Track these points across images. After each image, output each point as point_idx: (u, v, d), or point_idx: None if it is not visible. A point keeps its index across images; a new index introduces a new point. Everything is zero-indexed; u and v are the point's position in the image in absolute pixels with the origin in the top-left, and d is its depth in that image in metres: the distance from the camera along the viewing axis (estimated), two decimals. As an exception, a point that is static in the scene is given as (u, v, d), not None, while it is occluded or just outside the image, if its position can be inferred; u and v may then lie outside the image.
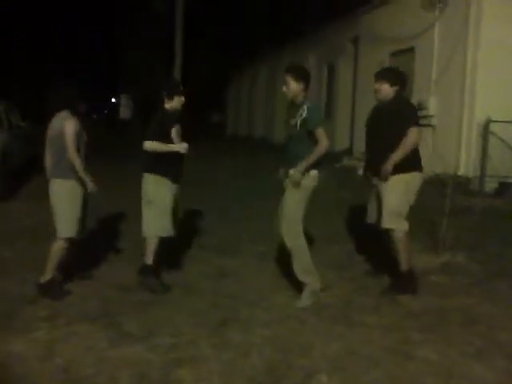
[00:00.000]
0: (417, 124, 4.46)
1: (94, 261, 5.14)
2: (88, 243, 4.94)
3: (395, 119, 4.41)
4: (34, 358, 3.29)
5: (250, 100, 24.91)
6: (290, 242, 4.23)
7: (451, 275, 5.05)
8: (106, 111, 47.53)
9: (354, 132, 13.74)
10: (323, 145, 4.13)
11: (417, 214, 6.18)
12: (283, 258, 4.76)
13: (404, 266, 4.53)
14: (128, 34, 23.63)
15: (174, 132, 4.41)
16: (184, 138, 4.53)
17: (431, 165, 9.27)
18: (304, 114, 4.16)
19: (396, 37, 11.26)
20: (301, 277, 4.31)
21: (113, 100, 47.11)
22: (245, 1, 21.83)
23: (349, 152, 13.56)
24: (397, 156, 4.34)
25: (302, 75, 4.30)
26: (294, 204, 4.20)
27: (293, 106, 4.33)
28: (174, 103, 4.42)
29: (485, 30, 8.99)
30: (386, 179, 4.42)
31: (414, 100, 10.34)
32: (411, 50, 11.00)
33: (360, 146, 11.35)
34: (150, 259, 4.42)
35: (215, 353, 3.43)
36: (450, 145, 9.36)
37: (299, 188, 4.16)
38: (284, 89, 4.31)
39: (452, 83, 9.60)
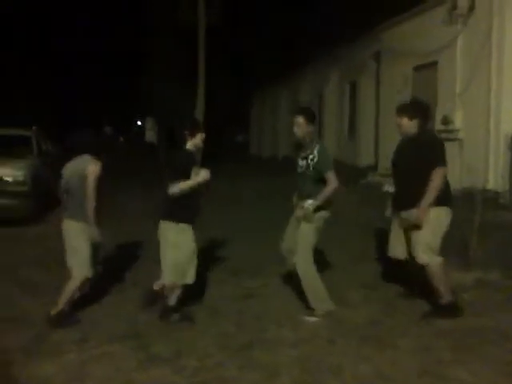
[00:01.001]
0: (444, 163, 4.34)
1: (119, 285, 5.18)
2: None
3: (421, 157, 4.32)
4: (65, 381, 3.32)
5: (273, 120, 25.05)
6: (300, 268, 4.42)
7: (483, 292, 4.93)
8: (133, 129, 48.42)
9: (378, 147, 13.64)
10: (333, 186, 4.36)
11: (447, 230, 6.10)
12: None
13: (446, 297, 4.37)
14: (153, 57, 24.13)
15: (193, 172, 4.36)
16: (206, 160, 4.58)
17: (459, 179, 9.16)
18: (315, 159, 4.39)
19: (418, 51, 11.21)
20: (311, 302, 4.43)
21: (138, 123, 47.94)
22: (266, 22, 22.10)
23: (373, 168, 13.46)
24: (426, 201, 4.25)
25: (313, 118, 4.52)
26: (306, 237, 4.41)
27: (301, 145, 4.56)
28: (196, 140, 4.43)
29: (509, 42, 8.87)
30: (420, 222, 4.32)
31: (439, 114, 10.25)
32: (434, 64, 10.93)
33: (384, 162, 11.26)
34: (172, 301, 4.34)
35: (242, 374, 3.41)
36: (477, 158, 9.19)
37: (312, 221, 4.36)
38: (295, 129, 4.52)
39: (477, 96, 9.48)
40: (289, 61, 20.74)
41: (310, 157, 4.42)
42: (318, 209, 4.36)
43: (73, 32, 31.13)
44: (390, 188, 4.75)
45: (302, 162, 4.52)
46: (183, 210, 4.24)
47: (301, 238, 4.42)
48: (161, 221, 4.31)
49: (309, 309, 4.47)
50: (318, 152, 4.40)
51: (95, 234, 4.29)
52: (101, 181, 4.35)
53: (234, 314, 4.53)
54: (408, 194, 4.37)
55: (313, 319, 4.39)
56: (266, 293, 5.12)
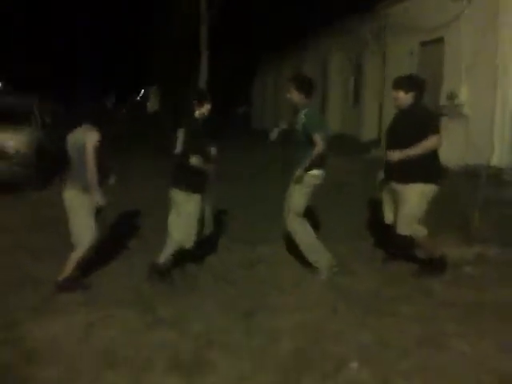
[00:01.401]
0: (437, 132, 4.48)
1: (122, 253, 5.23)
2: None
3: (415, 128, 4.47)
4: (72, 341, 3.39)
5: (275, 93, 24.84)
6: (290, 227, 4.66)
7: (484, 267, 4.96)
8: (137, 98, 48.05)
9: (382, 122, 13.56)
10: (318, 149, 4.44)
11: (449, 205, 6.14)
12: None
13: (432, 255, 4.70)
14: (154, 27, 23.83)
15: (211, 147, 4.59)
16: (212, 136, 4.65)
17: (464, 155, 9.15)
18: (303, 120, 4.58)
19: (424, 27, 11.07)
20: (309, 257, 4.66)
21: (142, 91, 47.59)
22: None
23: (377, 143, 13.41)
24: (413, 150, 4.39)
25: (303, 85, 4.68)
26: (297, 197, 4.58)
27: (296, 112, 4.72)
28: (203, 109, 4.57)
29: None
30: (393, 159, 4.48)
31: (445, 90, 10.17)
32: (440, 39, 10.80)
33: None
34: (162, 259, 4.45)
35: (246, 339, 3.47)
36: (482, 134, 9.15)
37: (302, 184, 4.53)
38: (287, 96, 4.72)
39: (483, 71, 9.38)
40: (293, 33, 20.43)
41: (299, 119, 4.60)
42: (307, 172, 4.51)
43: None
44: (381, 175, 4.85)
45: (296, 127, 4.69)
46: (194, 179, 4.41)
47: (291, 202, 4.61)
48: (172, 188, 4.46)
49: (313, 270, 4.63)
50: (305, 114, 4.58)
51: (98, 198, 4.27)
52: (101, 149, 4.34)
53: (239, 280, 4.61)
54: (401, 165, 4.48)
55: (321, 276, 4.57)
56: (271, 260, 5.18)
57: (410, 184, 4.47)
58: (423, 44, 11.60)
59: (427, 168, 4.48)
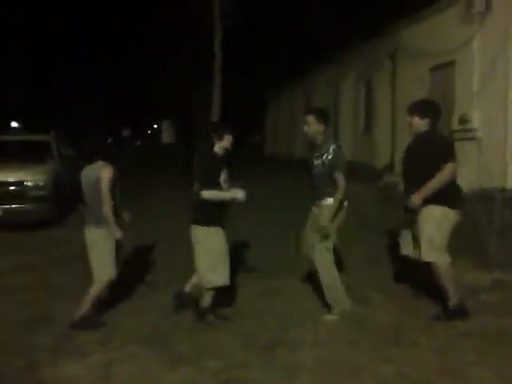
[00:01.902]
0: (453, 160, 4.35)
1: (138, 290, 5.26)
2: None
3: (431, 156, 4.34)
4: (91, 381, 3.41)
5: (288, 120, 25.06)
6: (318, 262, 4.50)
7: (503, 293, 4.90)
8: (149, 132, 48.68)
9: (394, 148, 13.58)
10: (342, 187, 4.37)
11: (465, 230, 6.07)
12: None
13: (453, 300, 4.35)
14: (167, 61, 24.32)
15: (222, 176, 4.41)
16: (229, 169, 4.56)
17: (477, 179, 9.09)
18: (330, 156, 4.44)
19: (435, 51, 11.15)
20: (330, 301, 4.51)
21: (155, 126, 48.33)
22: (281, 21, 22.10)
23: (389, 168, 13.40)
24: (431, 186, 4.27)
25: (323, 117, 4.55)
26: (327, 235, 4.45)
27: (315, 145, 4.61)
28: (224, 143, 4.40)
29: (527, 40, 8.81)
30: (414, 205, 4.34)
31: (457, 114, 10.18)
32: (451, 63, 10.86)
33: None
34: (208, 303, 4.38)
35: (265, 374, 3.45)
36: (495, 158, 9.11)
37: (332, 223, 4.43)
38: (305, 129, 4.59)
39: (495, 95, 9.39)
40: (304, 60, 20.73)
41: (325, 155, 4.46)
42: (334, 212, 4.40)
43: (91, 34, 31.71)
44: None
45: (316, 162, 4.54)
46: (213, 213, 4.29)
47: (319, 240, 4.46)
48: (192, 225, 4.36)
49: (326, 307, 4.54)
50: (334, 151, 4.45)
51: (116, 234, 4.35)
52: (116, 184, 4.44)
53: (256, 313, 4.59)
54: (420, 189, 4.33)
55: (331, 317, 4.43)
56: (286, 293, 5.16)
57: (430, 206, 4.32)
58: (434, 68, 11.66)
59: (447, 192, 4.32)
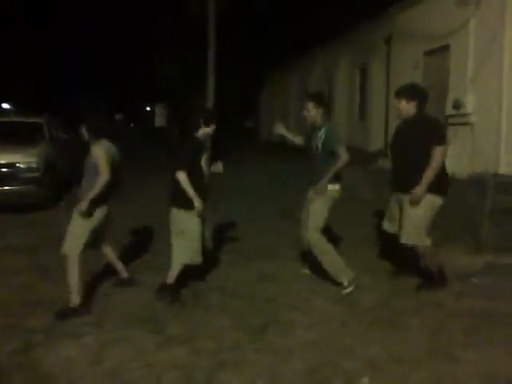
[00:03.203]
0: (442, 143, 4.45)
1: (132, 268, 5.27)
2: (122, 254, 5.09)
3: (419, 139, 4.46)
4: (85, 363, 3.42)
5: (283, 105, 24.97)
6: (311, 242, 4.69)
7: (494, 276, 4.97)
8: (143, 115, 48.38)
9: (388, 133, 13.59)
10: (343, 160, 4.56)
11: (457, 214, 6.14)
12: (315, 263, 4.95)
13: (430, 270, 4.66)
14: (162, 44, 24.10)
15: (203, 160, 4.55)
16: (217, 150, 4.67)
17: (470, 163, 9.14)
18: (323, 137, 4.64)
19: (430, 35, 11.11)
20: (331, 272, 4.69)
21: (147, 108, 48.02)
22: (276, 4, 21.89)
23: (383, 153, 13.43)
24: (427, 179, 4.40)
25: (322, 102, 4.79)
26: (318, 211, 4.66)
27: (313, 128, 4.81)
28: (208, 129, 4.57)
29: (522, 25, 8.79)
30: (416, 202, 4.47)
31: (451, 98, 10.19)
32: (446, 47, 10.83)
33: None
34: (171, 280, 4.46)
35: (258, 356, 3.49)
36: (489, 143, 9.15)
37: (323, 197, 4.63)
38: (305, 114, 4.79)
39: (489, 80, 9.40)
40: (298, 44, 20.59)
41: (319, 136, 4.68)
42: (329, 186, 4.61)
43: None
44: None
45: (314, 144, 4.75)
46: (189, 198, 4.36)
47: (312, 215, 4.66)
48: (170, 207, 4.48)
49: (337, 285, 4.68)
50: (326, 131, 4.66)
51: (83, 206, 4.22)
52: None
53: (248, 296, 4.62)
54: (406, 176, 4.50)
55: (347, 290, 4.61)
56: (280, 275, 5.20)
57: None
58: (429, 52, 11.64)
59: (437, 179, 4.44)
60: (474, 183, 6.87)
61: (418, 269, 4.85)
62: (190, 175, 4.34)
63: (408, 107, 4.59)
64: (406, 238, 4.56)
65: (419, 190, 4.41)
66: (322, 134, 4.65)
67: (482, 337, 3.71)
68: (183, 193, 4.34)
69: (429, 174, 4.39)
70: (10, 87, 28.46)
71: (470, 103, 9.84)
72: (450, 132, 9.21)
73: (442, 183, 4.56)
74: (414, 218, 4.50)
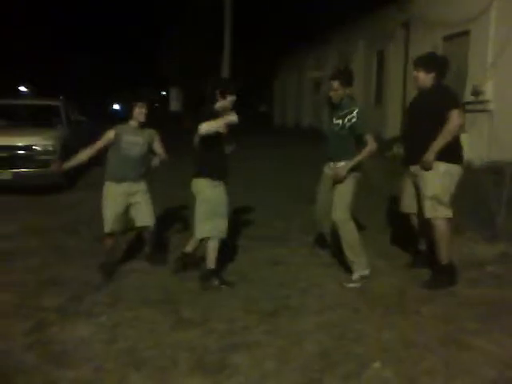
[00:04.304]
0: (457, 106, 4.26)
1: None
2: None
3: (434, 107, 4.28)
4: (99, 342, 3.48)
5: (298, 89, 24.82)
6: (339, 221, 4.51)
7: (509, 265, 4.92)
8: (156, 104, 48.28)
9: (404, 120, 13.45)
10: (372, 149, 4.46)
11: (474, 202, 6.07)
12: (333, 248, 4.98)
13: (444, 259, 4.41)
14: (178, 28, 24.01)
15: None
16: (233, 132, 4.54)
17: (489, 151, 9.01)
18: (353, 119, 4.43)
19: (449, 20, 10.91)
20: (349, 255, 4.54)
21: (163, 93, 47.95)
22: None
23: (400, 140, 13.29)
24: (438, 144, 4.23)
25: (349, 80, 4.56)
26: (345, 191, 4.52)
27: (337, 105, 4.58)
28: (226, 102, 4.30)
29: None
30: (428, 169, 4.31)
31: (470, 85, 10.02)
32: (466, 33, 10.63)
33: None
34: (212, 263, 4.39)
35: (269, 339, 3.51)
36: (507, 130, 9.00)
37: (348, 179, 4.49)
38: (332, 93, 4.57)
39: (509, 67, 9.22)
40: (315, 29, 20.36)
41: (348, 117, 4.45)
42: (351, 170, 4.48)
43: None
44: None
45: (337, 121, 4.54)
46: (213, 168, 4.31)
47: (338, 198, 4.51)
48: (193, 179, 4.39)
49: (347, 273, 4.62)
50: (358, 113, 4.44)
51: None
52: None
53: (260, 280, 4.64)
54: (421, 147, 4.31)
55: (353, 285, 4.47)
56: (290, 260, 5.21)
57: (434, 162, 4.27)
58: (448, 38, 11.43)
59: (449, 147, 4.26)
60: (491, 171, 6.78)
61: (434, 258, 4.61)
62: (210, 152, 4.25)
63: (426, 78, 4.41)
64: (427, 212, 4.35)
65: (429, 154, 4.25)
66: (353, 115, 4.42)
67: (495, 325, 3.69)
68: (204, 163, 4.28)
69: (440, 140, 4.20)
70: (25, 69, 28.70)
71: (489, 90, 9.68)
72: (469, 119, 9.06)
73: (457, 152, 4.39)
74: (433, 190, 4.30)
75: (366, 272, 4.56)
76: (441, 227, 4.37)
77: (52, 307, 4.01)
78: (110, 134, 4.64)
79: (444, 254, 4.41)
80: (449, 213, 4.37)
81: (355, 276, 4.54)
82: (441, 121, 4.23)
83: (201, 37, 21.88)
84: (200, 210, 4.32)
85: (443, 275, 4.42)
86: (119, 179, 4.65)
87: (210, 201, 4.29)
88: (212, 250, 4.37)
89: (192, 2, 21.86)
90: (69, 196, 8.34)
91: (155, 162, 4.93)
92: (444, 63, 4.54)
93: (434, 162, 4.28)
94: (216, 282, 4.41)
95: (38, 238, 5.96)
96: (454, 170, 4.36)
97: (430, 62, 4.48)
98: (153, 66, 32.27)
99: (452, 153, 4.32)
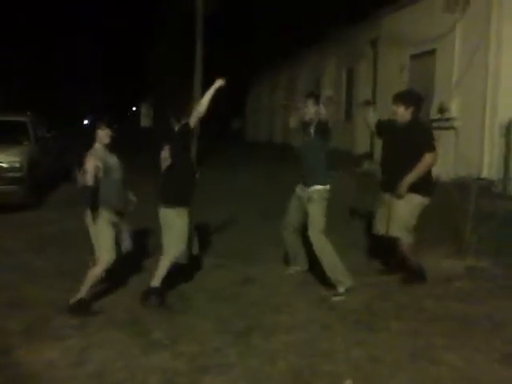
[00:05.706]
0: (432, 150, 4.73)
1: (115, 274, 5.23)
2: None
3: (412, 145, 4.70)
4: (67, 365, 3.40)
5: (270, 105, 25.00)
6: (316, 245, 4.71)
7: (476, 280, 5.02)
8: (128, 115, 47.79)
9: (373, 136, 13.67)
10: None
11: (440, 217, 6.19)
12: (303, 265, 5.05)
13: (411, 265, 4.89)
14: (150, 45, 24.04)
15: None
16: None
17: (454, 167, 9.22)
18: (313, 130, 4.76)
19: (417, 39, 11.21)
20: (332, 275, 4.69)
21: (133, 108, 47.71)
22: (265, 7, 21.90)
23: (369, 156, 13.51)
24: (411, 178, 4.66)
25: (319, 99, 4.86)
26: (318, 212, 4.74)
27: (306, 125, 4.84)
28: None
29: (507, 31, 8.89)
30: (399, 198, 4.72)
31: (436, 103, 10.28)
32: (432, 52, 10.94)
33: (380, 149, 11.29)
34: (157, 282, 4.41)
35: (241, 360, 3.49)
36: (472, 147, 9.26)
37: (321, 199, 4.74)
38: (305, 111, 4.82)
39: (474, 85, 9.51)
40: (285, 47, 20.62)
41: (313, 131, 4.76)
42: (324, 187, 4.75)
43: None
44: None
45: (305, 141, 4.83)
46: (181, 196, 4.46)
47: (313, 217, 4.71)
48: (162, 208, 4.49)
49: (330, 289, 4.69)
50: (317, 124, 4.74)
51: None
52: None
53: (232, 299, 4.62)
54: (396, 178, 4.72)
55: (339, 298, 4.59)
56: (262, 279, 5.20)
57: (409, 193, 4.70)
58: (415, 56, 11.73)
59: (424, 181, 4.72)
60: (458, 187, 6.93)
61: (403, 265, 4.97)
62: (176, 170, 4.41)
63: (405, 113, 4.81)
64: (393, 232, 4.80)
65: (402, 187, 4.68)
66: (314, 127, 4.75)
67: (464, 340, 3.75)
68: (171, 189, 4.41)
69: (413, 175, 4.65)
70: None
71: (455, 108, 9.95)
72: (435, 136, 9.28)
73: (428, 185, 4.81)
74: (403, 218, 4.75)
75: (351, 284, 4.70)
76: (403, 246, 4.85)
77: (18, 330, 3.91)
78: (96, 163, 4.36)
79: (411, 264, 4.88)
80: (410, 239, 4.83)
81: (340, 289, 4.66)
82: (417, 157, 4.67)
83: (174, 50, 21.90)
84: (171, 236, 4.45)
85: (415, 275, 4.90)
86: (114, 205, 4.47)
87: (178, 229, 4.45)
88: (164, 269, 4.41)
89: (166, 20, 21.92)
90: (35, 214, 8.16)
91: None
92: (420, 99, 5.02)
93: (409, 193, 4.70)
94: (155, 302, 4.36)
95: (6, 256, 5.80)
96: (426, 201, 4.81)
97: (408, 97, 4.92)
98: (125, 80, 32.16)
99: (427, 187, 4.78)
